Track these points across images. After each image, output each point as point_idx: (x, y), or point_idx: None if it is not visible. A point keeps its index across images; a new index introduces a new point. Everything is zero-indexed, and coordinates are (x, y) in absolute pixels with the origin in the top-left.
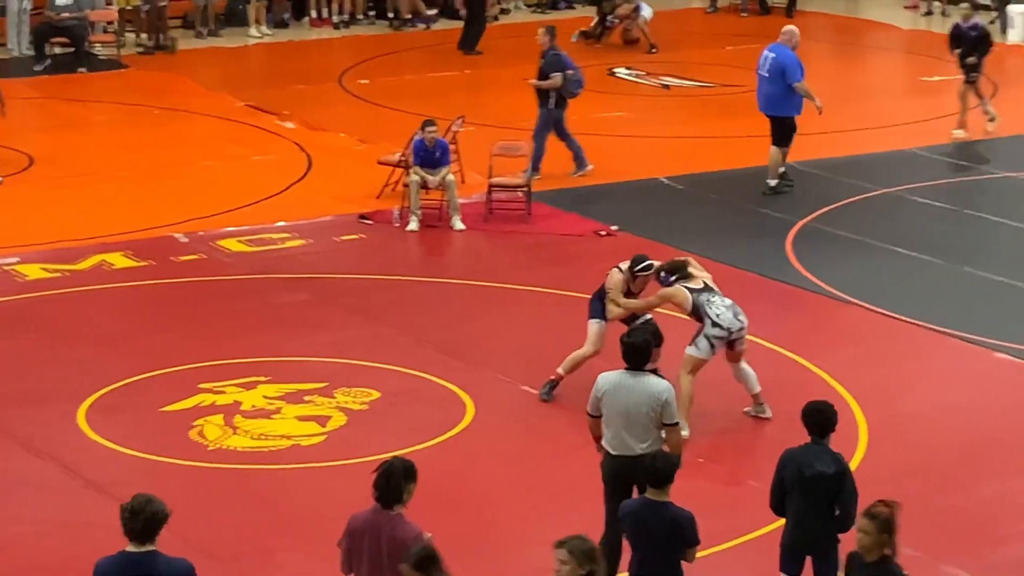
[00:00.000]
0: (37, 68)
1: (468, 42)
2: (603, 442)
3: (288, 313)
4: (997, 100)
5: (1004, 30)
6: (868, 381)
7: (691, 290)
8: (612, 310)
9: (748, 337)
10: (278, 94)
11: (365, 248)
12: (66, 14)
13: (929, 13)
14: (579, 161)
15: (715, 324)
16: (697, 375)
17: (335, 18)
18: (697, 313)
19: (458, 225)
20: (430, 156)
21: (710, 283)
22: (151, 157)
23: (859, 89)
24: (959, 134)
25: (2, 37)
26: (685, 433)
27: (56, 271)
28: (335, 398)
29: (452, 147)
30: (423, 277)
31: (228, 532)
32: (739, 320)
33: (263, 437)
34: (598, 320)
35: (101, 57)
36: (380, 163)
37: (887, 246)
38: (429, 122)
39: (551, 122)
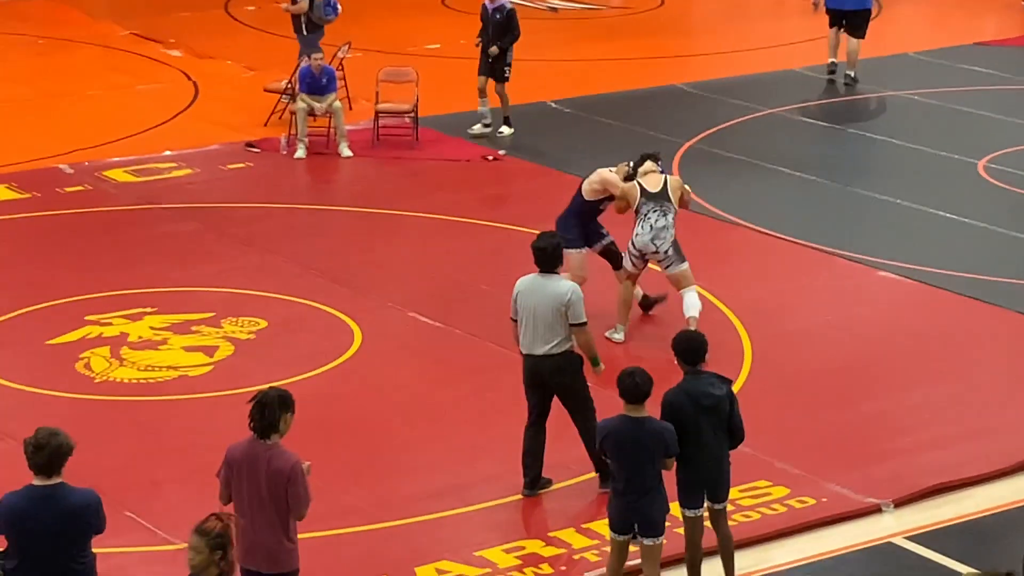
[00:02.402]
0: None
1: None
2: (520, 343)
3: (175, 243)
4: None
5: None
6: (752, 301)
7: (644, 191)
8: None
9: None
10: (164, 22)
11: (252, 176)
12: None
13: None
14: None
15: (632, 241)
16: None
17: None
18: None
19: (345, 152)
20: (317, 83)
21: (669, 188)
22: (35, 87)
23: (745, 9)
24: (506, 131)
25: None
26: (619, 336)
27: None
28: (222, 328)
29: (339, 73)
30: (311, 205)
31: (114, 464)
32: (653, 244)
33: (150, 368)
34: (577, 249)
35: None
36: (267, 90)
37: (773, 166)
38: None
39: (310, 47)
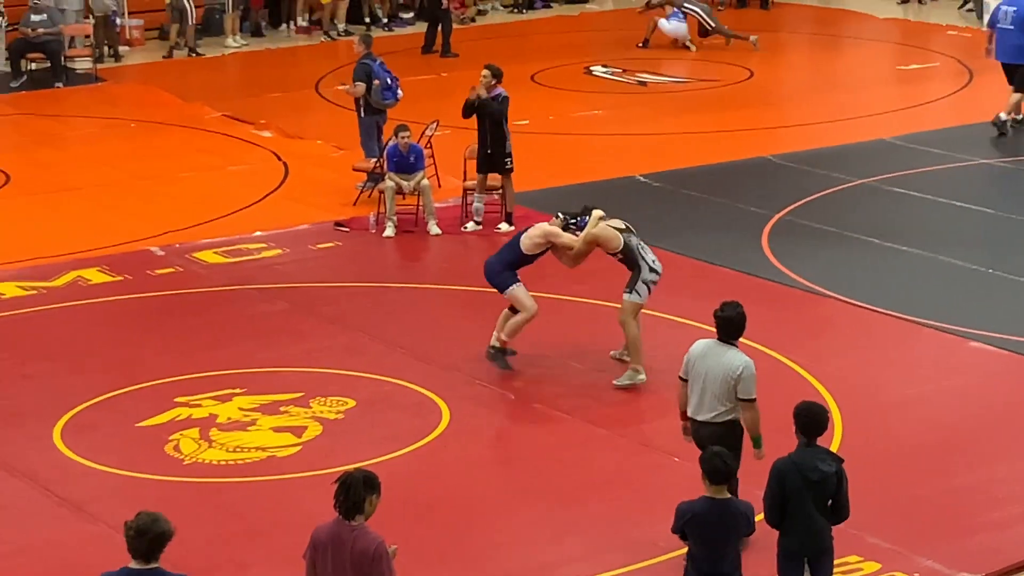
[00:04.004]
0: (13, 84)
1: (444, 45)
2: (687, 405)
3: (264, 323)
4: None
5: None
6: (842, 373)
7: (619, 230)
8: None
9: None
10: (255, 103)
11: (341, 256)
12: (41, 30)
13: (905, 0)
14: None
15: (652, 270)
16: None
17: (340, 26)
18: (627, 254)
19: (434, 230)
20: (405, 161)
21: (627, 225)
22: (127, 171)
23: (835, 79)
24: (506, 228)
25: None
26: (642, 377)
27: (32, 288)
28: (311, 408)
29: (427, 151)
30: (399, 283)
31: (202, 546)
32: (658, 265)
33: (239, 449)
34: (517, 284)
35: (78, 71)
36: (355, 169)
37: (863, 237)
38: (402, 127)
39: (370, 129)
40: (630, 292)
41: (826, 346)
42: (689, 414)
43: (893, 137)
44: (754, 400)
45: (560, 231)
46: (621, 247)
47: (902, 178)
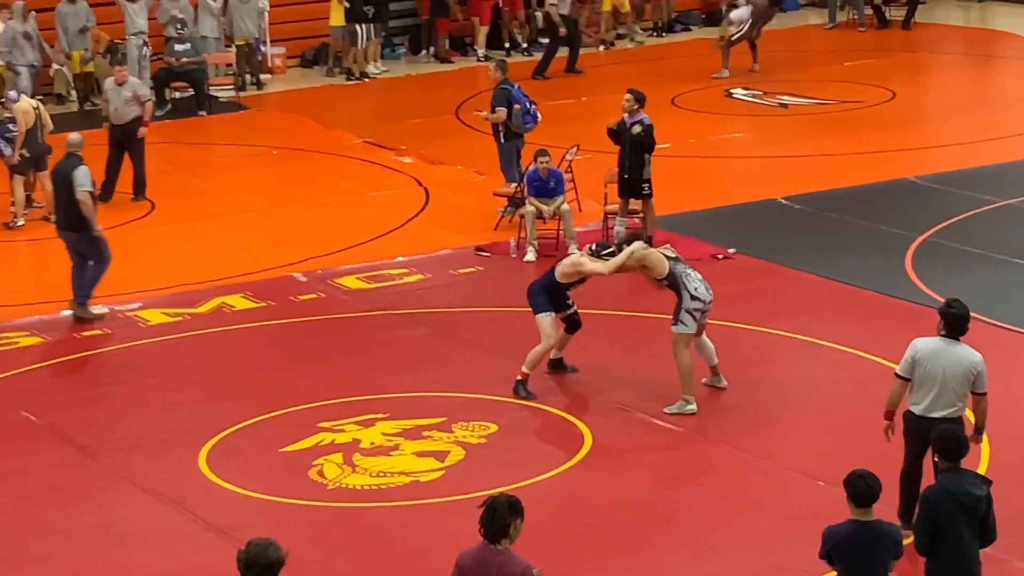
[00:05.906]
0: (158, 113)
1: (571, 63)
2: (910, 403)
3: (406, 348)
4: None
5: None
6: (990, 396)
7: (667, 257)
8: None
9: (864, 355)
10: (395, 129)
11: (483, 280)
12: (185, 59)
13: None
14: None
15: (694, 297)
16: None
17: (480, 52)
18: (672, 281)
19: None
20: (544, 186)
21: (676, 254)
22: (270, 197)
23: (978, 99)
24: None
25: None
26: (692, 407)
27: (177, 315)
28: (453, 432)
29: (567, 176)
30: None
31: (347, 571)
32: (710, 293)
33: (382, 474)
34: (548, 312)
35: (221, 100)
36: (496, 195)
37: (1010, 258)
38: (542, 152)
39: (510, 155)
40: (675, 323)
41: None
42: (919, 412)
43: None
44: (986, 394)
45: (587, 260)
46: (666, 274)
47: None
